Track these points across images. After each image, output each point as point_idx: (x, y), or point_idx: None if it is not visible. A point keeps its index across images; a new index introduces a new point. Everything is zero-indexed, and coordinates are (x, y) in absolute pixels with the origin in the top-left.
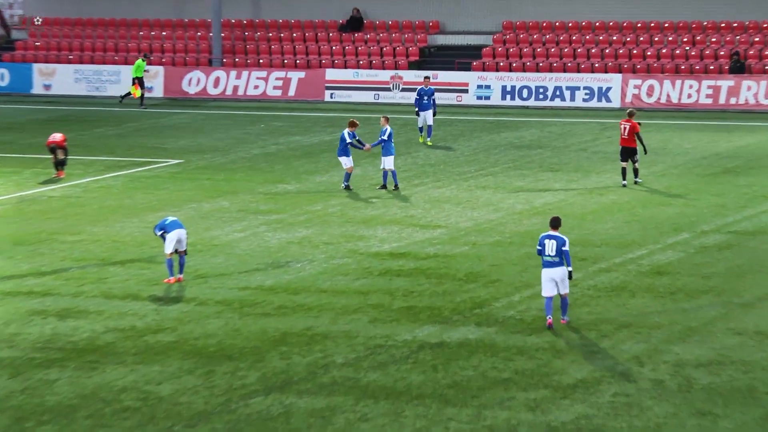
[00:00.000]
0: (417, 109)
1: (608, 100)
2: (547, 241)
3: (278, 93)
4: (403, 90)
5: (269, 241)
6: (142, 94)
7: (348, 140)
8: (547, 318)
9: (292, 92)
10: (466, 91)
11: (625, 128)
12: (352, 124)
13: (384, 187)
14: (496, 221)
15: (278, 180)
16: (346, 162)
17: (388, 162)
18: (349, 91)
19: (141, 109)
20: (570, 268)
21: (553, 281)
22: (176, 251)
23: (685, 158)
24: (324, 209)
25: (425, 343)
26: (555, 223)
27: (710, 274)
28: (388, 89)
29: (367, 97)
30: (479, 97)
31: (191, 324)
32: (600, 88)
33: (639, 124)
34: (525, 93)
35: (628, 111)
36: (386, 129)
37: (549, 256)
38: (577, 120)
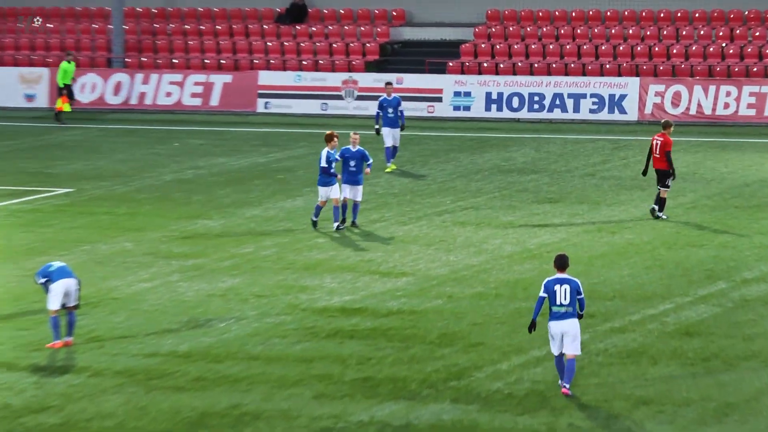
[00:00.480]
0: (377, 127)
1: (622, 111)
2: (558, 287)
3: (197, 102)
4: (359, 98)
5: (185, 293)
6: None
7: (322, 164)
8: (561, 383)
9: (215, 101)
10: (440, 99)
11: (656, 144)
12: (329, 139)
13: (344, 221)
14: (479, 267)
15: (197, 214)
16: (323, 193)
17: (357, 192)
18: (288, 100)
19: (59, 125)
20: (582, 312)
21: (561, 336)
22: (64, 306)
23: (722, 186)
24: (256, 252)
25: (386, 425)
26: (563, 263)
27: (754, 335)
28: (340, 97)
29: (312, 107)
30: (457, 108)
31: (83, 401)
32: (612, 96)
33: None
34: (515, 102)
35: (662, 121)
36: (359, 150)
37: (562, 305)
38: (583, 136)
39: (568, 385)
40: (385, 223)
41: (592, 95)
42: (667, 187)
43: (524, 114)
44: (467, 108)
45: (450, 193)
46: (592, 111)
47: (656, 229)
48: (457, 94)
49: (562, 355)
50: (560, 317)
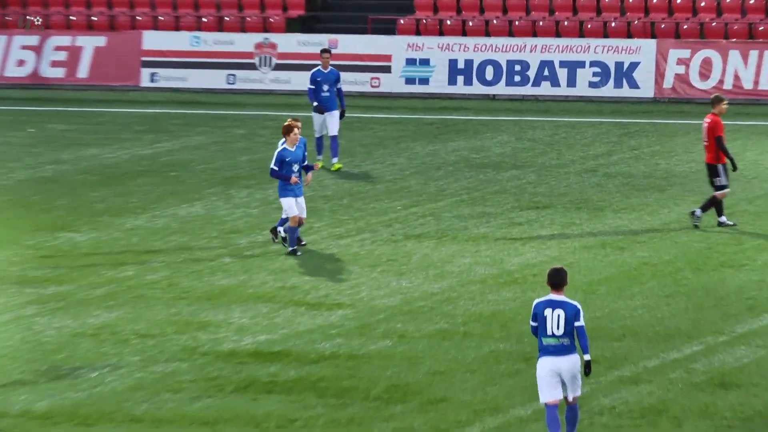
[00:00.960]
0: (315, 104)
1: (633, 84)
2: (548, 312)
3: (60, 73)
4: (278, 68)
5: (43, 331)
6: None
7: (272, 164)
8: None
9: (83, 72)
10: (388, 69)
11: (704, 128)
12: (287, 131)
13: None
14: (441, 296)
15: (60, 225)
16: (287, 207)
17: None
18: (183, 71)
19: None
20: (589, 357)
21: (557, 377)
22: None
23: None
24: (140, 276)
25: None
26: (558, 280)
27: None
28: (252, 67)
29: (215, 80)
30: (410, 80)
31: None
32: (619, 65)
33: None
34: (490, 73)
35: (712, 97)
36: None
37: (553, 336)
38: (581, 119)
39: None
40: (315, 236)
41: (592, 64)
42: (720, 188)
43: (501, 89)
44: (424, 81)
45: (402, 196)
46: (592, 85)
47: (679, 243)
48: (410, 61)
49: (555, 405)
50: (555, 352)
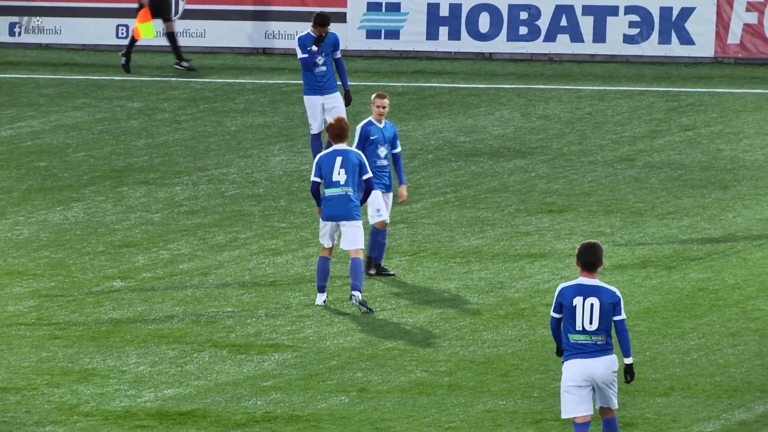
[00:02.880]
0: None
1: (685, 39)
2: (578, 301)
3: None
4: (188, 16)
5: None
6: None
7: (358, 150)
8: None
9: None
10: (342, 17)
11: None
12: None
13: (379, 268)
14: (416, 335)
15: None
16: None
17: (388, 203)
18: (55, 20)
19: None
20: (630, 360)
21: (588, 387)
22: None
23: None
24: None
25: None
26: (592, 258)
27: None
28: None
29: (99, 32)
30: (373, 34)
31: None
32: (666, 12)
33: None
34: (484, 23)
35: None
36: (391, 127)
37: (584, 333)
38: (612, 88)
39: None
40: (240, 250)
41: (629, 10)
42: None
43: (501, 45)
44: (393, 34)
45: None
46: (628, 40)
47: (750, 261)
48: (373, 6)
49: (586, 423)
50: (586, 352)
